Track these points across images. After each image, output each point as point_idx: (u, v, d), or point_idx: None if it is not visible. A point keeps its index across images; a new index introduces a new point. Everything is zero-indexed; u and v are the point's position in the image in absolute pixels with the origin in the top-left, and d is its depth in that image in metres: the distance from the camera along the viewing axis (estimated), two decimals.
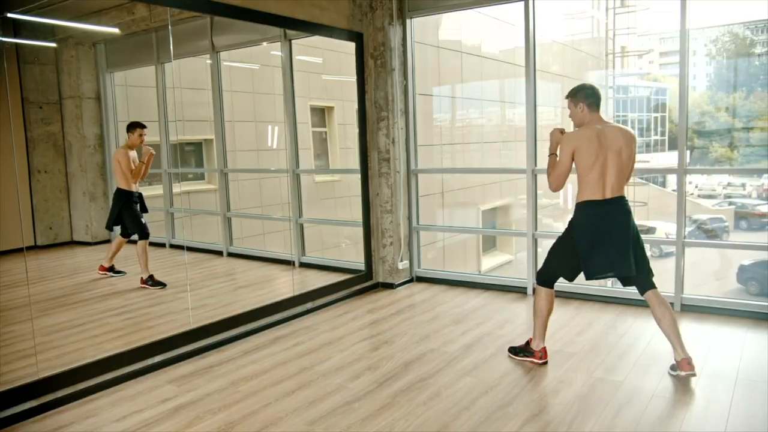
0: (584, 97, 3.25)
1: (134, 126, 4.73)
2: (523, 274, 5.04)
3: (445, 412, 2.95)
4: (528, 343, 3.59)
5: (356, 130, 5.38)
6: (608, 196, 3.21)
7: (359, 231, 5.43)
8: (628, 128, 3.23)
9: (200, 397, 3.23)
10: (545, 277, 3.46)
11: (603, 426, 2.76)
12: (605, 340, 3.87)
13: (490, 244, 8.37)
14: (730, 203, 16.11)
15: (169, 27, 4.05)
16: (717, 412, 2.85)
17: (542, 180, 4.26)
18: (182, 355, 3.78)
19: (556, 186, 3.28)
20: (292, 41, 5.53)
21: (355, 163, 5.41)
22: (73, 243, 4.94)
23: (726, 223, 14.88)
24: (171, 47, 4.16)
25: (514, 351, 3.63)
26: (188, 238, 5.61)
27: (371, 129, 5.21)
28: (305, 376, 3.46)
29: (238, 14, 4.20)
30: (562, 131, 3.28)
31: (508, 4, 5.14)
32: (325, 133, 6.95)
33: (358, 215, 5.41)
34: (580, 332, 4.01)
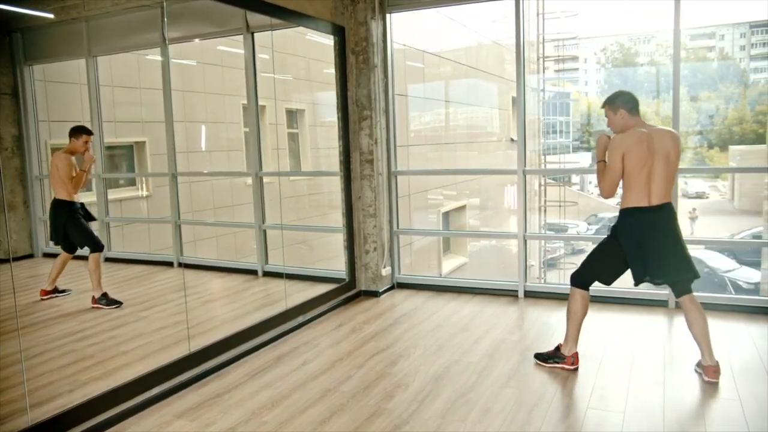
0: (623, 102, 3.19)
1: (80, 131, 4.12)
2: (490, 276, 4.96)
3: (505, 429, 2.77)
4: (558, 348, 3.48)
5: (287, 131, 5.11)
6: (654, 202, 3.16)
7: (315, 235, 5.15)
8: (672, 129, 3.21)
9: None
10: (583, 279, 3.37)
11: (675, 430, 2.70)
12: (626, 342, 3.82)
13: (445, 246, 8.32)
14: None
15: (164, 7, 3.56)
16: None
17: (531, 179, 4.17)
18: (182, 384, 3.31)
19: (609, 192, 3.21)
20: (255, 34, 5.12)
21: (286, 165, 5.17)
22: None
23: None
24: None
25: (542, 357, 3.51)
26: (125, 249, 5.06)
27: (353, 129, 4.91)
28: (333, 400, 3.13)
29: None
30: (609, 137, 3.21)
31: (494, 2, 5.02)
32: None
33: (301, 219, 5.14)
34: (595, 336, 3.98)
